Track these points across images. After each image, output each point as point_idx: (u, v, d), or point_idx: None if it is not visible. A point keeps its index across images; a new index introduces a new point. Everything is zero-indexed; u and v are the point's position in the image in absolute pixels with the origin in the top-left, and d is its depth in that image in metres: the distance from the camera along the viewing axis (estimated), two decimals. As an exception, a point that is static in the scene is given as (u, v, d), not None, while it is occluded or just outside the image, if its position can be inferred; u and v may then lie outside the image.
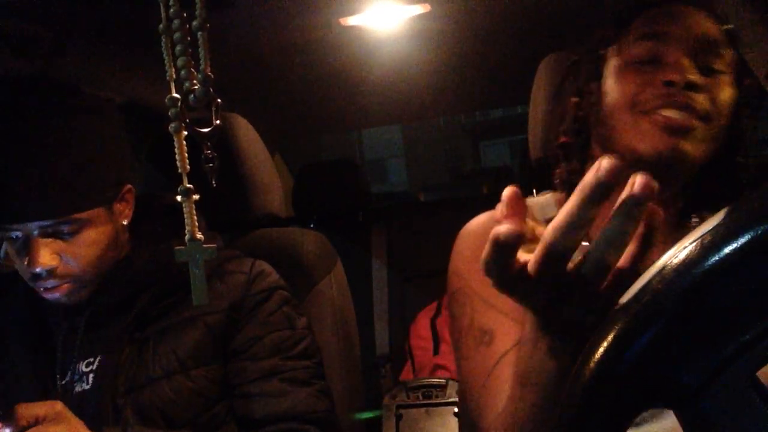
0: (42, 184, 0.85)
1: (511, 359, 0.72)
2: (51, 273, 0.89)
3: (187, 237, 0.49)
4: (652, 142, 0.73)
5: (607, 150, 0.79)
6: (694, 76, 0.72)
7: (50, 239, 0.88)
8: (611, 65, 0.81)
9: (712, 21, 0.78)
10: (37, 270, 0.88)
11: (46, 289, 0.92)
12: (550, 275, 0.43)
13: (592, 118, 0.82)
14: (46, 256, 0.88)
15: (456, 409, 1.54)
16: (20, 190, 0.85)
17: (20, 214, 0.86)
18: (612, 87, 0.79)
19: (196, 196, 0.48)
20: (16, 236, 0.89)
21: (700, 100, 0.73)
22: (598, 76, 0.82)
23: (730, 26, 0.79)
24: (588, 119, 0.82)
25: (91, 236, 0.91)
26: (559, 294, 0.45)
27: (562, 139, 0.86)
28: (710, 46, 0.76)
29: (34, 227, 0.87)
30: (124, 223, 0.98)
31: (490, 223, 0.87)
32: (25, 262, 0.88)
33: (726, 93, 0.76)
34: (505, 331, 0.76)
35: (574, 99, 0.84)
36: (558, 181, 0.87)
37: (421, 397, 1.56)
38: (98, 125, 0.92)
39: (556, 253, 0.42)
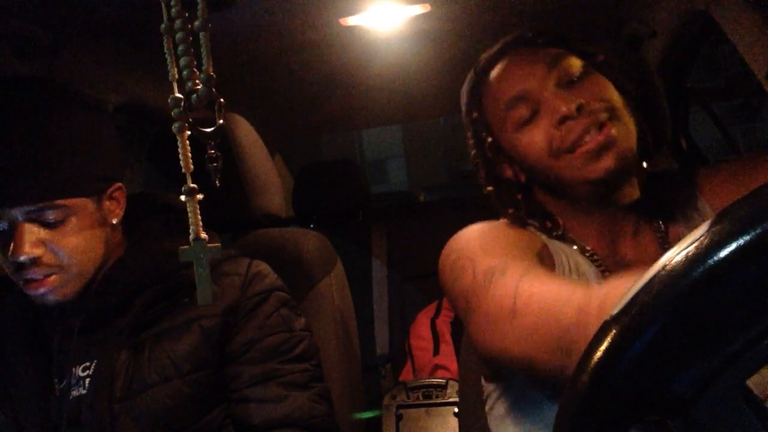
0: (27, 168, 0.85)
1: (536, 275, 0.69)
2: (35, 262, 0.88)
3: (191, 236, 0.48)
4: (597, 167, 0.78)
5: (557, 188, 0.86)
6: (574, 101, 0.79)
7: (35, 227, 0.87)
8: (503, 131, 0.88)
9: (543, 51, 0.86)
10: (21, 258, 0.86)
11: (31, 283, 0.90)
12: None
13: (520, 174, 0.90)
14: (31, 244, 0.87)
15: (456, 410, 1.54)
16: (4, 174, 0.85)
17: (4, 198, 0.86)
18: (522, 148, 0.85)
19: (200, 196, 0.48)
20: (2, 228, 0.88)
21: (591, 108, 0.79)
22: (498, 144, 0.90)
23: (547, 39, 0.88)
24: (518, 177, 0.90)
25: (76, 226, 0.90)
26: None
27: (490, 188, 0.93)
28: (558, 68, 0.83)
29: (18, 213, 0.86)
30: (114, 222, 0.97)
31: (483, 227, 0.90)
32: (9, 252, 0.87)
33: (596, 81, 0.83)
34: (515, 263, 0.74)
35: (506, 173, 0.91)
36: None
37: (421, 397, 1.57)
38: (86, 119, 0.93)
39: None
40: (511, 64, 0.87)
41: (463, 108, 0.95)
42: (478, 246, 0.81)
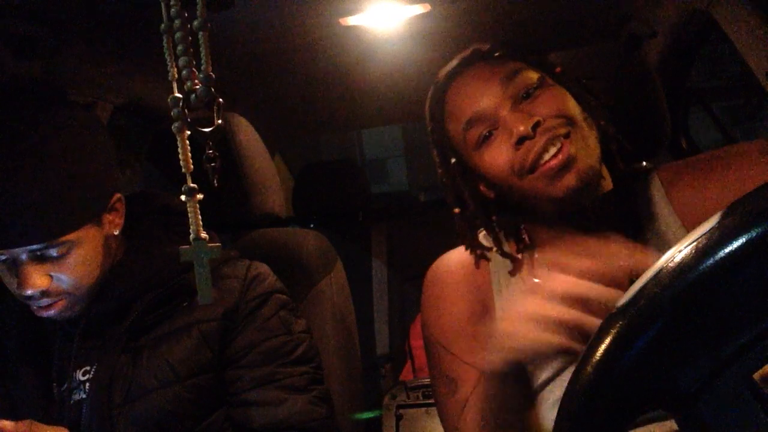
0: (25, 208, 0.83)
1: (471, 404, 0.82)
2: (43, 293, 0.87)
3: (191, 236, 0.48)
4: (559, 186, 0.78)
5: (525, 206, 0.85)
6: (531, 119, 0.78)
7: (39, 262, 0.86)
8: (465, 150, 0.86)
9: (499, 65, 0.84)
10: (28, 293, 0.86)
11: (40, 308, 0.90)
12: None
13: (488, 192, 0.89)
14: (36, 279, 0.86)
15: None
16: (3, 215, 0.82)
17: (4, 241, 0.83)
18: (485, 168, 0.84)
19: (200, 196, 0.48)
20: (5, 258, 0.87)
21: (548, 125, 0.78)
22: (463, 163, 0.88)
23: (504, 52, 0.86)
24: (485, 192, 0.89)
25: (81, 254, 0.89)
26: None
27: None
28: (513, 83, 0.82)
29: (21, 252, 0.85)
30: (116, 232, 0.96)
31: (457, 264, 0.93)
32: (15, 285, 0.87)
33: (554, 95, 0.81)
34: (465, 377, 0.84)
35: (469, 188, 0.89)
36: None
37: (421, 397, 1.56)
38: (79, 141, 0.89)
39: None
40: (467, 82, 0.86)
41: (427, 126, 0.93)
42: (447, 331, 0.88)
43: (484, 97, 0.83)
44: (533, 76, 0.82)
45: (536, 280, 0.85)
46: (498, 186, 0.86)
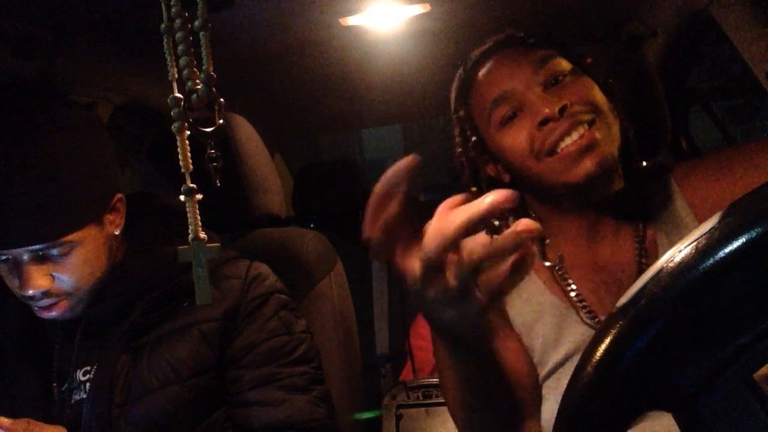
0: (27, 208, 0.83)
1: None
2: (45, 293, 0.88)
3: (190, 236, 0.48)
4: (577, 171, 0.78)
5: (539, 190, 0.86)
6: (558, 103, 0.78)
7: (41, 262, 0.87)
8: (487, 129, 0.87)
9: (532, 51, 0.85)
10: (30, 293, 0.87)
11: (42, 308, 0.90)
12: (429, 282, 0.47)
13: (503, 174, 0.90)
14: (38, 279, 0.86)
15: (456, 409, 1.54)
16: (6, 215, 0.83)
17: (7, 241, 0.84)
18: (505, 148, 0.85)
19: (199, 196, 0.48)
20: (6, 258, 0.87)
21: (574, 110, 0.79)
22: (483, 142, 0.90)
23: (537, 39, 0.87)
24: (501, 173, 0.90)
25: (83, 254, 0.89)
26: (438, 300, 0.47)
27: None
28: (544, 69, 0.83)
29: (23, 252, 0.85)
30: (117, 232, 0.96)
31: None
32: (17, 285, 0.87)
33: (582, 84, 0.83)
34: None
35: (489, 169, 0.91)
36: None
37: (421, 397, 1.56)
38: (81, 142, 0.90)
39: (431, 263, 0.46)
40: (499, 64, 0.87)
41: (452, 105, 0.94)
42: None
43: (514, 77, 0.84)
44: (565, 64, 0.84)
45: (547, 264, 0.87)
46: (514, 169, 0.86)
